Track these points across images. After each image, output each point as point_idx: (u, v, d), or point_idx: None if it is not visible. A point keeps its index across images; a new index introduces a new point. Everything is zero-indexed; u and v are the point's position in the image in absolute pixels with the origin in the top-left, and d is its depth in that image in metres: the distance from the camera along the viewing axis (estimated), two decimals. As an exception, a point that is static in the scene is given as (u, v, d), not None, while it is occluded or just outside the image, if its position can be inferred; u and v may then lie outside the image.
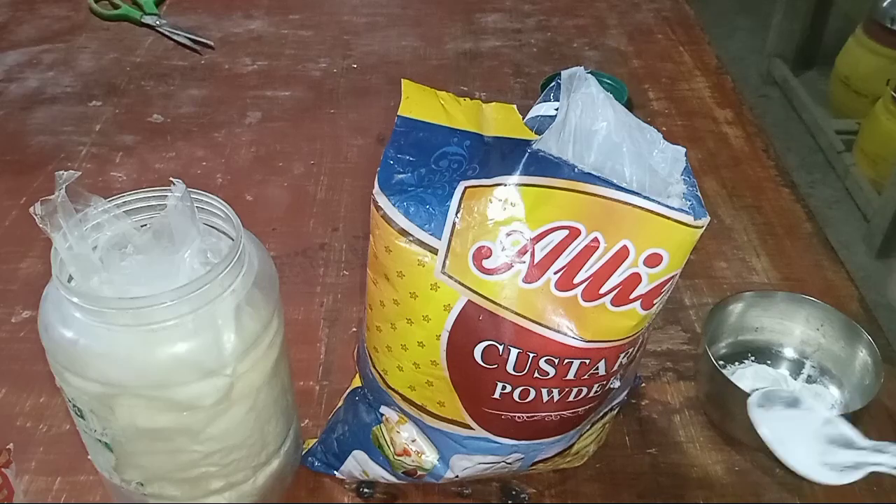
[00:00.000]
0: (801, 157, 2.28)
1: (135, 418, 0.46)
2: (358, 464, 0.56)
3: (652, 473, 0.59)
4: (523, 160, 0.45)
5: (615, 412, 0.57)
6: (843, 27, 2.41)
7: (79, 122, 0.93)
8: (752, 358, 0.66)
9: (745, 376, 0.64)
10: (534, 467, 0.55)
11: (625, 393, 0.57)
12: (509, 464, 0.53)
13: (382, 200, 0.46)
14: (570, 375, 0.47)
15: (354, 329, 0.69)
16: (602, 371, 0.47)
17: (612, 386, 0.50)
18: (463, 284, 0.45)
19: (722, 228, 0.81)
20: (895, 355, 0.66)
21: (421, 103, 0.48)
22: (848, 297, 0.73)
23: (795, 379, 0.65)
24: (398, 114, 0.47)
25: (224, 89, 1.00)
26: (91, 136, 0.91)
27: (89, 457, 0.52)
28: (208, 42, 1.08)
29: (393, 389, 0.51)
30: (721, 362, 0.63)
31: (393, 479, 0.55)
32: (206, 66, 1.04)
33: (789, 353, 0.66)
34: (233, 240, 0.47)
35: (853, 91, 2.29)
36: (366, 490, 0.57)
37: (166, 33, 1.10)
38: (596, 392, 0.49)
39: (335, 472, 0.58)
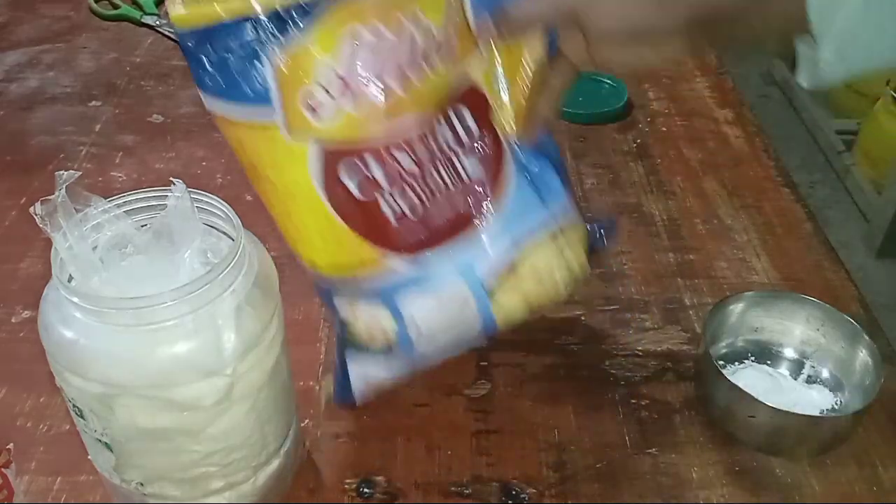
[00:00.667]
0: (802, 158, 2.29)
1: (135, 418, 0.46)
2: (359, 375, 0.57)
3: (652, 473, 0.59)
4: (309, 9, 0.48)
5: (562, 233, 0.57)
6: (843, 27, 2.41)
7: (79, 122, 0.93)
8: (752, 358, 0.66)
9: (745, 376, 0.64)
10: (497, 303, 0.55)
11: (588, 224, 0.60)
12: (462, 304, 0.54)
13: (211, 104, 0.50)
14: (429, 162, 0.53)
15: (354, 329, 0.69)
16: (436, 150, 0.53)
17: (465, 167, 0.54)
18: (309, 136, 0.50)
19: (722, 228, 0.81)
20: (895, 355, 0.66)
21: (194, 9, 0.50)
22: (848, 297, 0.73)
23: (795, 379, 0.65)
24: (176, 29, 0.49)
25: (224, 89, 1.00)
26: (91, 136, 0.91)
27: (89, 457, 0.52)
28: (208, 42, 1.08)
29: (328, 275, 0.54)
30: (721, 362, 0.63)
31: (387, 373, 0.56)
32: (206, 66, 1.04)
33: (789, 353, 0.66)
34: (233, 240, 0.47)
35: (853, 91, 2.29)
36: (366, 490, 0.57)
37: (166, 33, 1.10)
38: (451, 172, 0.54)
39: (354, 400, 0.58)
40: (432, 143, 0.53)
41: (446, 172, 0.54)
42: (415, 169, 0.52)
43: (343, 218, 0.52)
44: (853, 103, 2.29)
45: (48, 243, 0.45)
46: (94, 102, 0.97)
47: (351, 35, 0.49)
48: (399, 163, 0.52)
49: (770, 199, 0.84)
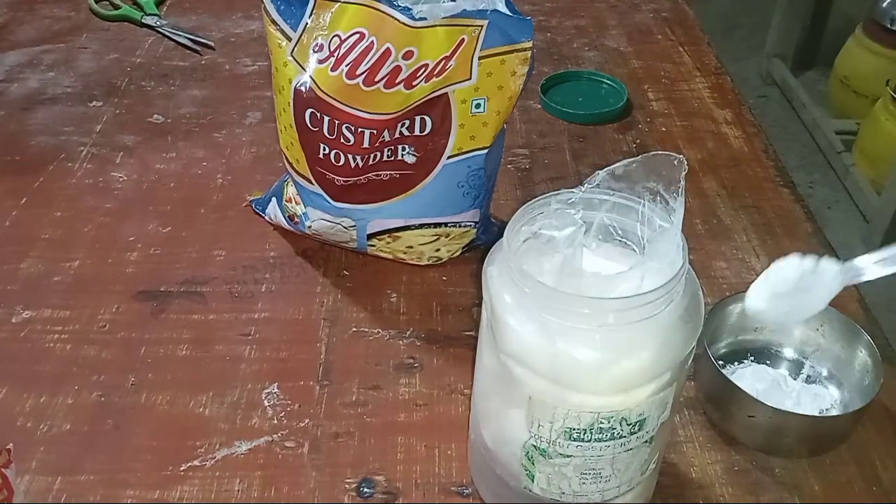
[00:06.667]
0: (801, 158, 2.29)
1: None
2: (273, 207, 0.76)
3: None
4: None
5: (461, 229, 0.71)
6: (842, 27, 2.41)
7: (79, 122, 0.93)
8: (752, 358, 0.66)
9: (745, 376, 0.64)
10: (373, 246, 0.72)
11: (478, 230, 0.72)
12: (346, 229, 0.71)
13: (268, 2, 0.67)
14: (365, 144, 0.65)
15: (354, 329, 0.69)
16: (387, 138, 0.65)
17: (404, 157, 0.67)
18: (301, 66, 0.65)
19: (721, 229, 0.81)
20: (895, 355, 0.66)
21: None
22: (848, 298, 0.73)
23: (795, 379, 0.65)
24: None
25: (224, 89, 1.00)
26: (91, 136, 0.91)
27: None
28: (209, 42, 1.08)
29: (283, 150, 0.71)
30: (721, 362, 0.64)
31: (285, 224, 0.75)
32: (207, 67, 1.04)
33: (789, 353, 0.66)
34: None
35: (852, 91, 2.29)
36: (366, 490, 0.57)
37: (167, 34, 1.10)
38: (389, 157, 0.67)
39: (264, 214, 0.78)
40: (386, 133, 0.65)
41: (387, 152, 0.67)
42: (350, 139, 0.65)
43: (298, 130, 0.67)
44: (852, 103, 2.29)
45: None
46: (94, 103, 0.97)
47: (359, 35, 0.63)
48: (343, 134, 0.65)
49: (769, 200, 0.85)
